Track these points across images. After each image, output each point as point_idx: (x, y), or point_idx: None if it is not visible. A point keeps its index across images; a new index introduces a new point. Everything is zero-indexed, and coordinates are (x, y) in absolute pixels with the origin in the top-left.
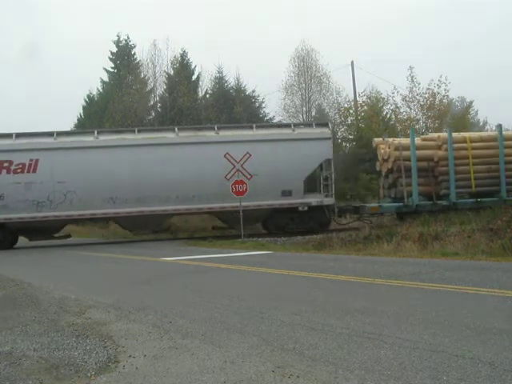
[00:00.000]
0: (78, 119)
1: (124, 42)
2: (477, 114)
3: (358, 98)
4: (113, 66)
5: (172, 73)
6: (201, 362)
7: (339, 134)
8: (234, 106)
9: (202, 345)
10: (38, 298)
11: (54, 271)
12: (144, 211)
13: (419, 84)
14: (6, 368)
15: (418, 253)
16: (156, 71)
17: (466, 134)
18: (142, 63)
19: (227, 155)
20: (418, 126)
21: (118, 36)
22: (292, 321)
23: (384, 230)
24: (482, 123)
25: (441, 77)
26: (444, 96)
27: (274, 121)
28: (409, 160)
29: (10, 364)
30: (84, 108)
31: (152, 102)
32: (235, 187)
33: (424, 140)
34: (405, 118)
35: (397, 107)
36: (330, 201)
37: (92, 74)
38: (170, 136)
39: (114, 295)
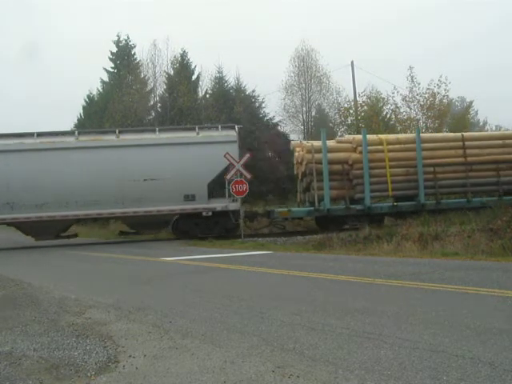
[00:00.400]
0: (78, 119)
1: (124, 42)
2: (477, 114)
3: (358, 98)
4: (113, 66)
5: (172, 73)
6: (201, 361)
7: (339, 134)
8: (234, 106)
9: (201, 345)
10: (38, 298)
11: (54, 271)
12: (42, 216)
13: (419, 84)
14: (6, 368)
15: (417, 253)
16: (156, 71)
17: (383, 136)
18: (141, 63)
19: (227, 155)
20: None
21: (118, 36)
22: (292, 321)
23: (384, 230)
24: (482, 123)
25: (441, 77)
26: (444, 96)
27: (274, 121)
28: (321, 163)
29: (9, 364)
30: (84, 108)
31: (152, 102)
32: (235, 187)
33: (339, 142)
34: (405, 117)
35: (397, 107)
36: (235, 206)
37: (92, 74)
38: (69, 140)
39: (114, 295)
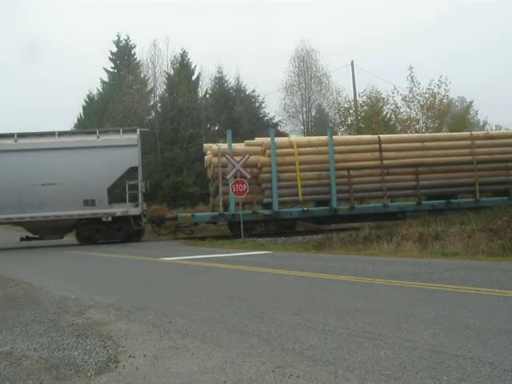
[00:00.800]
0: (78, 119)
1: (124, 42)
2: (477, 114)
3: (358, 98)
4: (113, 66)
5: (172, 73)
6: (201, 361)
7: (339, 134)
8: (233, 106)
9: (201, 345)
10: (38, 297)
11: (54, 271)
12: None
13: (419, 84)
14: (6, 368)
15: (417, 253)
16: (156, 71)
17: (294, 139)
18: (141, 63)
19: (227, 156)
20: (418, 126)
21: (118, 36)
22: (292, 321)
23: (384, 230)
24: (482, 123)
25: (441, 77)
26: (444, 96)
27: (274, 121)
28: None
29: (10, 364)
30: (84, 108)
31: (152, 102)
32: (235, 187)
33: (248, 145)
34: (405, 117)
35: (397, 107)
36: (136, 211)
37: (92, 74)
38: None
39: (114, 295)
